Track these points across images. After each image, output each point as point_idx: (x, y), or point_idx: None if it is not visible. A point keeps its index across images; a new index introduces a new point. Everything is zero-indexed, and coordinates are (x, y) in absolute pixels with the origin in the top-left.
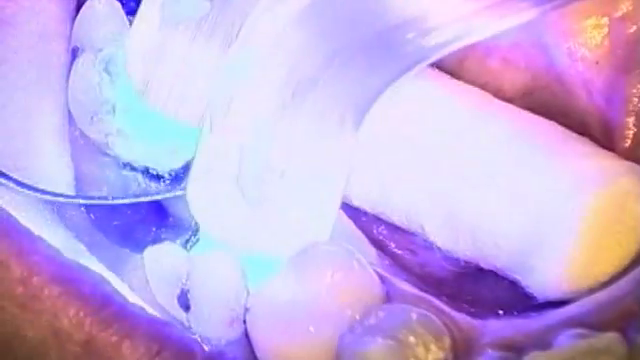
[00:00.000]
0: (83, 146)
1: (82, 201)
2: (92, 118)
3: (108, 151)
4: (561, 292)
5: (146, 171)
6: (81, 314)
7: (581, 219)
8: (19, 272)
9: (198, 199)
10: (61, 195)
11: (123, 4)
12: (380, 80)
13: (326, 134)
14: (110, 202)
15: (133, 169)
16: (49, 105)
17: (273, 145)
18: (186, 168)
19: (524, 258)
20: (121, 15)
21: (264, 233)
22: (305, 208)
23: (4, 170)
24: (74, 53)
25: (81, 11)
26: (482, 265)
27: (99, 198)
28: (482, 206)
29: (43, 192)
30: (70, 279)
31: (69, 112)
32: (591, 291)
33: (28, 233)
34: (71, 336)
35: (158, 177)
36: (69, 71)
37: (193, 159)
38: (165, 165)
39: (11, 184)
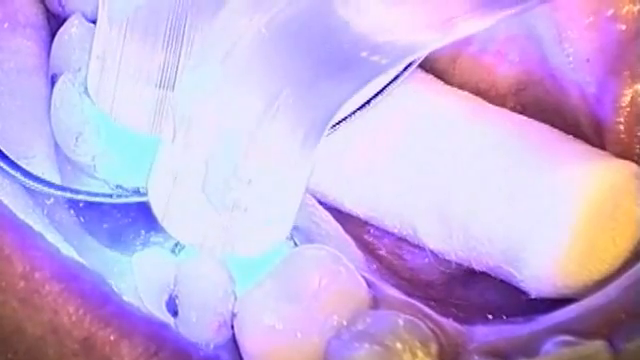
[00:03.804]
0: (70, 172)
1: (86, 197)
2: (77, 139)
3: (96, 175)
4: (555, 288)
5: (137, 191)
6: (81, 312)
7: (574, 215)
8: (21, 267)
9: (160, 203)
10: (67, 189)
11: None
12: (338, 98)
13: (291, 149)
14: (114, 200)
15: (124, 191)
16: (36, 136)
17: (242, 156)
18: None
19: (517, 253)
20: None
21: (228, 236)
22: (269, 211)
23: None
24: (53, 80)
25: (56, 38)
26: (474, 266)
27: (103, 195)
28: (475, 204)
29: (48, 184)
30: (71, 276)
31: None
32: (585, 288)
33: (29, 228)
34: (70, 333)
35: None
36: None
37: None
38: None
39: (18, 174)
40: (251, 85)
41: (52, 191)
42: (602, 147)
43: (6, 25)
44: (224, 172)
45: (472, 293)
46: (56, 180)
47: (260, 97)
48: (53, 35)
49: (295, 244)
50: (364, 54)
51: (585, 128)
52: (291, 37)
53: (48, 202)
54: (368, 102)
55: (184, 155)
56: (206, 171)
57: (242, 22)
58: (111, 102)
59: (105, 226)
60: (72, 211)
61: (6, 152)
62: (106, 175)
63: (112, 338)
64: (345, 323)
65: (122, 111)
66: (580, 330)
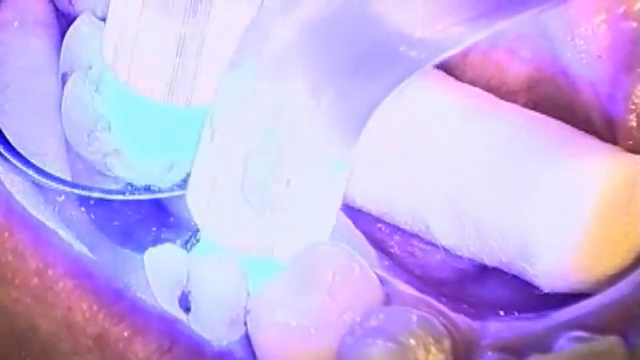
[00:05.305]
0: (82, 169)
1: (100, 194)
2: (88, 137)
3: (107, 172)
4: (568, 283)
5: (148, 188)
6: (94, 308)
7: (587, 209)
8: (35, 264)
9: (200, 207)
10: (80, 186)
11: None
12: (377, 93)
13: (329, 146)
14: (127, 197)
15: (135, 188)
16: (47, 134)
17: (280, 155)
18: (187, 179)
19: (530, 248)
20: None
21: (268, 238)
22: (308, 214)
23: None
24: (64, 79)
25: (66, 36)
26: (486, 262)
27: (116, 192)
28: (487, 199)
29: (62, 182)
30: (84, 273)
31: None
32: (598, 283)
33: (43, 225)
34: (84, 330)
35: (160, 191)
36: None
37: (192, 168)
38: (165, 181)
39: (31, 172)
40: (289, 83)
41: (66, 188)
42: (614, 143)
43: (16, 24)
44: (262, 172)
45: (484, 290)
46: (68, 178)
47: (299, 95)
48: (63, 34)
49: None
50: (402, 48)
51: (597, 124)
52: (328, 34)
53: (59, 199)
54: None
55: (222, 156)
56: (244, 172)
57: (277, 21)
58: (127, 71)
59: (116, 223)
60: (83, 208)
61: (19, 149)
62: (118, 173)
63: (126, 334)
64: (358, 319)
65: (139, 79)
66: (594, 326)
